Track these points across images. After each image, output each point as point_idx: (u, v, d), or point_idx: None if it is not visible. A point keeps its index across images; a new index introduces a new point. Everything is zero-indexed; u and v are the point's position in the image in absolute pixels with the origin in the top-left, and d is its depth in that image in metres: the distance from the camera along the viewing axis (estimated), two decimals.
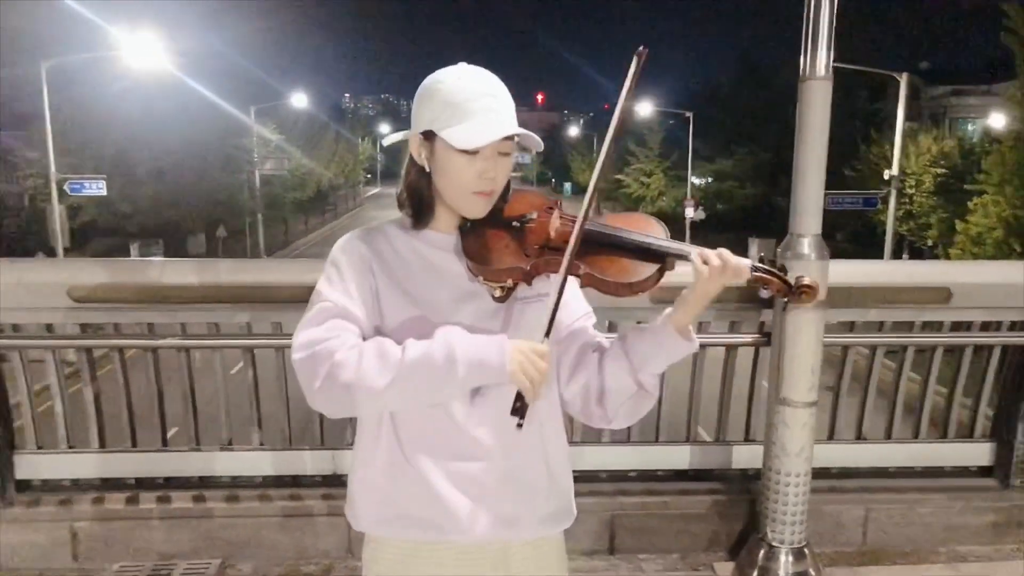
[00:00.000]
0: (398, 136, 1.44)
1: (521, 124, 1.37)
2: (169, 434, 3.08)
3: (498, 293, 1.39)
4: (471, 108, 1.31)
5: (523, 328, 1.38)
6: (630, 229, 1.36)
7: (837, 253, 2.64)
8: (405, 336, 1.32)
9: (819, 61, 2.46)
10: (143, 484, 3.04)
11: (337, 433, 3.08)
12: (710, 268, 1.29)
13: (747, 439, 3.21)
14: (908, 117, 23.70)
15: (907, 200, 26.46)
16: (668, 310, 1.38)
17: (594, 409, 1.44)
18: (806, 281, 1.33)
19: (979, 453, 3.27)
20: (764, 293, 1.36)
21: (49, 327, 2.88)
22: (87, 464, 3.01)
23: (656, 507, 3.06)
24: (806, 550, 2.77)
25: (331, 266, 1.39)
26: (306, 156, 38.13)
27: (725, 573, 2.92)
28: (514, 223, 1.40)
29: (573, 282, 1.38)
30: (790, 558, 2.75)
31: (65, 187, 19.64)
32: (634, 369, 1.38)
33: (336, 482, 3.06)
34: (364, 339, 1.33)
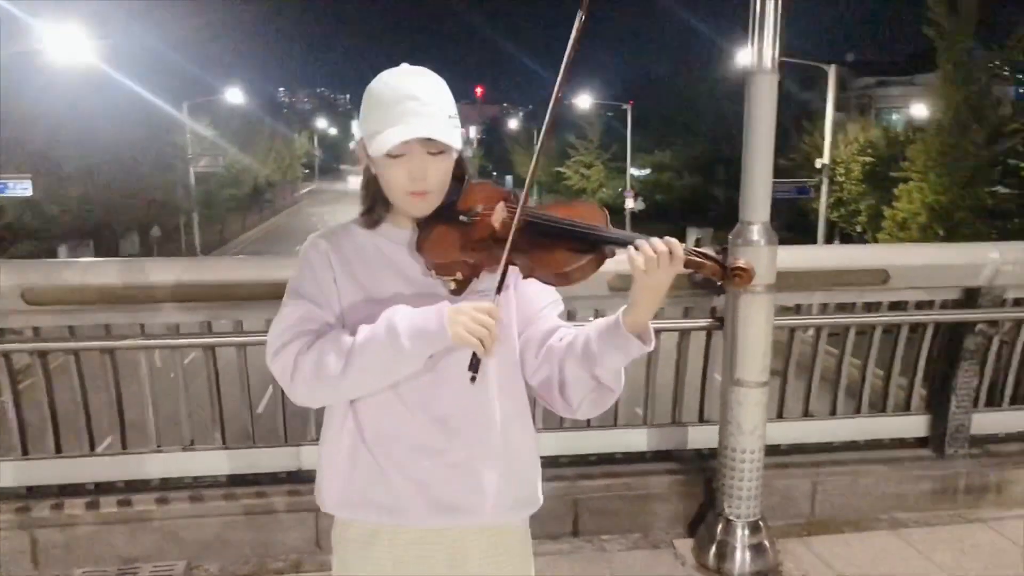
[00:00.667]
0: (354, 141, 1.50)
1: (461, 116, 1.42)
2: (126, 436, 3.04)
3: (452, 286, 1.43)
4: (393, 112, 1.36)
5: None
6: (571, 218, 1.39)
7: None
8: (363, 327, 1.37)
9: (765, 55, 2.58)
10: (103, 489, 3.00)
11: (299, 428, 3.10)
12: (659, 255, 1.29)
13: (701, 420, 3.34)
14: (837, 107, 24.46)
15: (838, 188, 27.31)
16: (622, 308, 1.39)
17: (557, 400, 1.48)
18: (740, 263, 1.33)
19: (916, 425, 3.47)
20: (697, 277, 1.37)
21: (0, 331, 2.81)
22: (43, 471, 2.95)
23: (617, 488, 3.16)
24: (761, 523, 2.90)
25: (298, 265, 1.46)
26: (242, 152, 37.32)
27: (685, 549, 3.04)
28: (462, 217, 1.44)
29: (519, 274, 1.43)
30: (746, 531, 2.88)
31: None
32: (591, 365, 1.41)
33: (301, 478, 3.07)
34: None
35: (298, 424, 3.08)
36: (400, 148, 1.35)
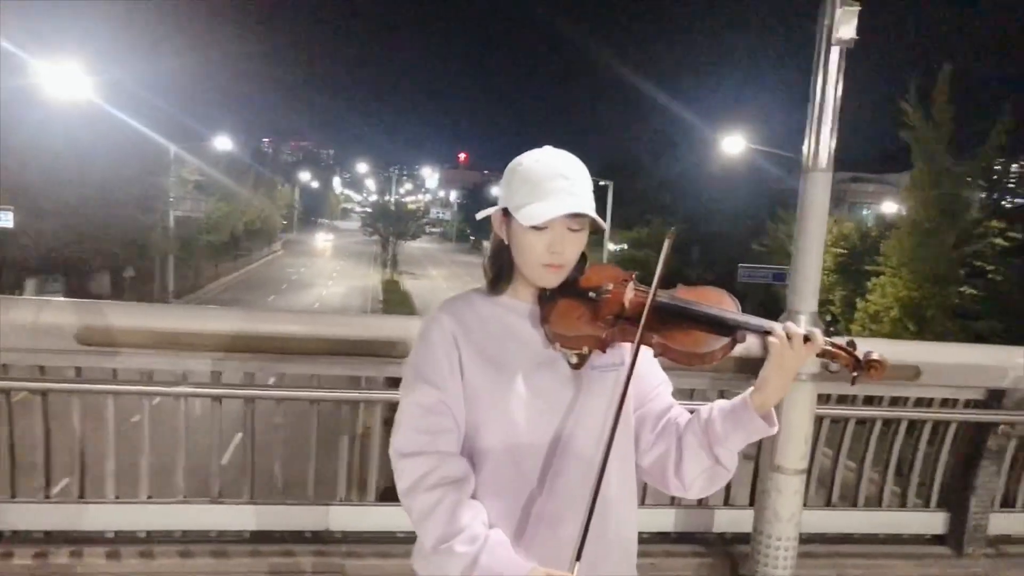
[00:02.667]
0: (487, 212, 1.54)
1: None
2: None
3: (574, 360, 1.47)
4: (543, 188, 1.42)
5: (595, 395, 1.48)
6: (701, 302, 1.46)
7: None
8: (483, 398, 1.43)
9: (821, 153, 2.70)
10: (122, 538, 2.91)
11: (329, 487, 3.05)
12: (795, 340, 1.36)
13: (726, 503, 3.35)
14: None
15: None
16: (749, 390, 1.44)
17: (671, 479, 1.51)
18: (875, 356, 1.36)
19: (935, 522, 3.51)
20: (833, 367, 1.42)
21: (41, 369, 2.76)
22: (65, 515, 2.86)
23: (644, 569, 3.12)
24: None
25: (423, 343, 1.49)
26: (224, 199, 37.32)
27: None
28: (590, 293, 1.49)
29: (648, 352, 1.49)
30: None
31: None
32: (711, 444, 1.44)
33: (328, 538, 3.01)
34: (455, 421, 1.44)
35: (327, 482, 3.04)
36: (546, 222, 1.40)
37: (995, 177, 23.72)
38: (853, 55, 2.68)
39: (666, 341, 1.42)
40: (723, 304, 1.45)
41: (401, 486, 1.43)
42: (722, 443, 1.43)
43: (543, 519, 1.45)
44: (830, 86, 2.67)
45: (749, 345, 1.44)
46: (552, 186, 1.41)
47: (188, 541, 2.94)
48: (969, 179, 22.45)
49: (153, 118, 28.15)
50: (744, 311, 1.48)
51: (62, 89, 18.97)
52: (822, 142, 2.70)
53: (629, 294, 1.47)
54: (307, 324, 2.89)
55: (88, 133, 23.54)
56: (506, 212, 1.46)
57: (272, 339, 2.82)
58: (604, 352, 1.48)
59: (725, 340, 1.40)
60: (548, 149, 1.49)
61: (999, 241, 21.37)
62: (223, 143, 34.28)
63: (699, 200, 34.29)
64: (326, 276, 44.89)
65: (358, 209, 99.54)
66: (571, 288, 1.50)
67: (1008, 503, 3.60)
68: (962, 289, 21.78)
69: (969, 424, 3.40)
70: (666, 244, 1.47)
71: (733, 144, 23.66)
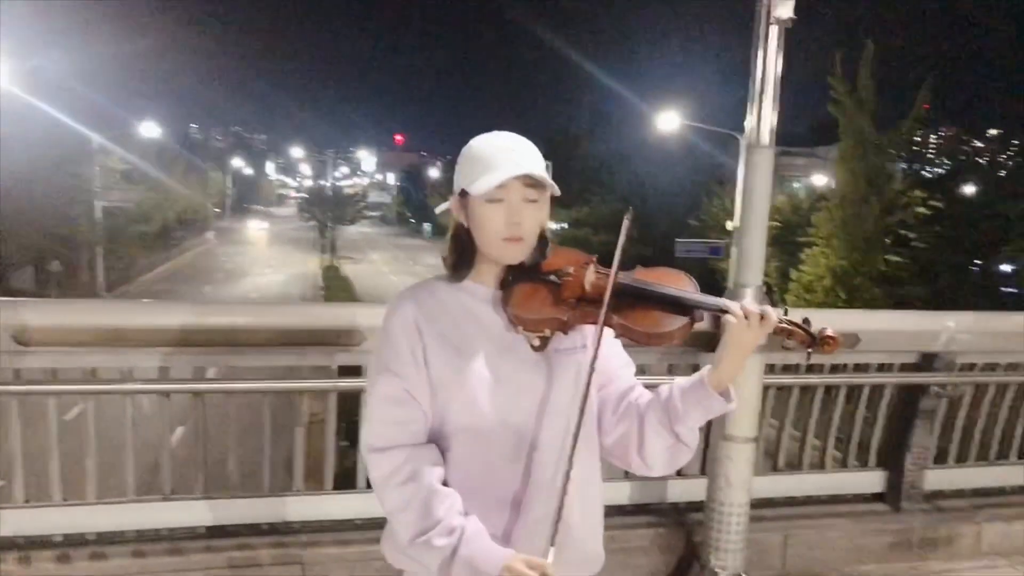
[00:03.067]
0: (446, 204, 1.55)
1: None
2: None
3: (536, 342, 1.49)
4: (495, 160, 1.44)
5: (558, 378, 1.50)
6: (661, 283, 1.49)
7: None
8: (449, 384, 1.45)
9: (763, 130, 2.77)
10: (72, 541, 2.83)
11: (287, 481, 3.03)
12: (751, 319, 1.41)
13: (679, 474, 3.43)
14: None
15: None
16: (707, 367, 1.49)
17: (634, 457, 1.55)
18: (829, 332, 1.41)
19: (873, 481, 3.67)
20: (788, 343, 1.46)
21: None
22: (10, 521, 2.76)
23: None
24: (743, 575, 3.00)
25: (385, 335, 1.50)
26: (153, 188, 36.13)
27: None
28: (552, 277, 1.51)
29: (609, 334, 1.51)
30: None
31: None
32: (671, 422, 1.48)
33: (286, 530, 2.99)
34: (422, 411, 1.46)
35: (282, 474, 3.01)
36: (498, 192, 1.42)
37: (916, 148, 24.61)
38: (787, 31, 2.74)
39: (626, 322, 1.45)
40: (681, 285, 1.49)
41: (374, 479, 1.46)
42: (682, 421, 1.47)
43: (511, 503, 1.48)
44: (770, 64, 2.73)
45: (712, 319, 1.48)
46: (502, 157, 1.44)
47: (141, 541, 2.87)
48: (892, 151, 23.27)
49: (75, 106, 26.99)
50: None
51: None
52: (764, 119, 2.77)
53: (590, 276, 1.49)
54: (256, 315, 2.86)
55: (4, 121, 22.43)
56: (462, 194, 1.47)
57: (221, 332, 2.76)
58: (566, 334, 1.50)
59: (684, 320, 1.44)
60: (494, 132, 1.51)
61: (921, 210, 22.27)
62: (150, 130, 33.08)
63: (636, 177, 34.75)
64: (263, 264, 43.98)
65: (294, 194, 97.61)
66: (533, 272, 1.51)
67: (941, 460, 3.78)
68: (888, 257, 22.66)
69: (904, 387, 3.56)
70: (625, 223, 1.51)
71: (668, 121, 23.94)
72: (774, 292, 25.14)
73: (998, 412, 3.81)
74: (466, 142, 1.51)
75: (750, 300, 2.77)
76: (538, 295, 1.49)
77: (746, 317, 1.41)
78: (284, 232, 65.55)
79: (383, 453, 1.44)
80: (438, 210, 1.60)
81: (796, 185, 36.99)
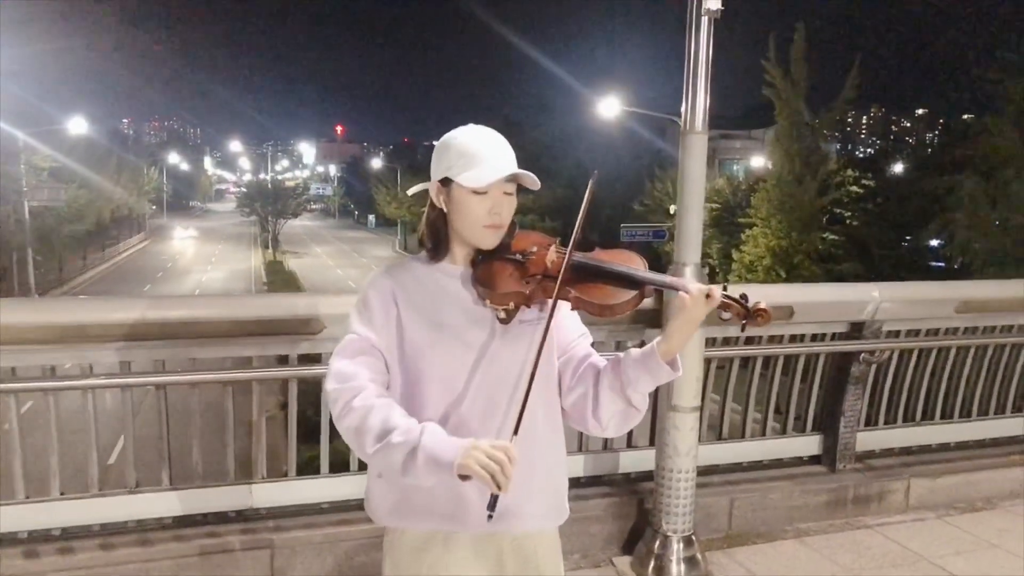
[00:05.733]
0: (420, 187, 1.70)
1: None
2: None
3: (502, 315, 1.64)
4: (480, 156, 1.61)
5: (522, 346, 1.64)
6: (614, 261, 1.64)
7: None
8: (425, 353, 1.59)
9: (697, 117, 2.93)
10: (35, 538, 2.86)
11: (247, 467, 3.09)
12: (700, 295, 1.53)
13: (630, 445, 3.61)
14: None
15: None
16: (657, 339, 1.63)
17: (590, 419, 1.69)
18: (762, 305, 1.55)
19: (811, 444, 3.91)
20: (725, 316, 1.60)
21: None
22: None
23: None
24: (693, 537, 3.19)
25: (360, 301, 1.65)
26: (84, 186, 35.00)
27: (624, 566, 3.27)
28: (517, 255, 1.67)
29: (566, 306, 1.66)
30: (681, 545, 3.16)
31: None
32: (623, 387, 1.63)
33: (253, 516, 3.06)
34: (386, 365, 1.61)
35: (246, 463, 3.08)
36: (489, 184, 1.57)
37: (848, 129, 25.38)
38: (717, 20, 2.89)
39: (580, 295, 1.59)
40: (632, 263, 1.64)
41: (333, 412, 1.56)
42: (633, 386, 1.62)
43: None
44: (702, 54, 2.89)
45: (668, 294, 1.63)
46: (488, 153, 1.61)
47: (108, 533, 2.92)
48: (826, 132, 23.98)
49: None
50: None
51: None
52: (698, 107, 2.93)
53: (551, 255, 1.64)
54: (217, 307, 2.90)
55: None
56: (443, 182, 1.62)
57: (182, 324, 2.81)
58: (529, 307, 1.65)
59: (632, 294, 1.59)
60: (474, 125, 1.66)
61: (854, 189, 23.02)
62: (78, 126, 31.97)
63: (580, 163, 35.09)
64: (204, 261, 43.06)
65: (233, 189, 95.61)
66: (500, 252, 1.66)
67: (872, 423, 4.04)
68: (824, 235, 23.41)
69: (836, 355, 3.80)
70: (589, 185, 1.65)
71: (609, 107, 24.22)
72: (717, 274, 25.76)
73: (922, 376, 4.08)
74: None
75: (690, 277, 2.96)
76: (504, 272, 1.64)
77: (698, 294, 1.54)
78: (224, 228, 64.22)
79: (345, 383, 1.55)
80: (411, 191, 1.76)
81: (735, 168, 37.84)
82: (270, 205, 51.01)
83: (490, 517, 1.42)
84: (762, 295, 1.66)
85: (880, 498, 3.85)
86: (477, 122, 1.69)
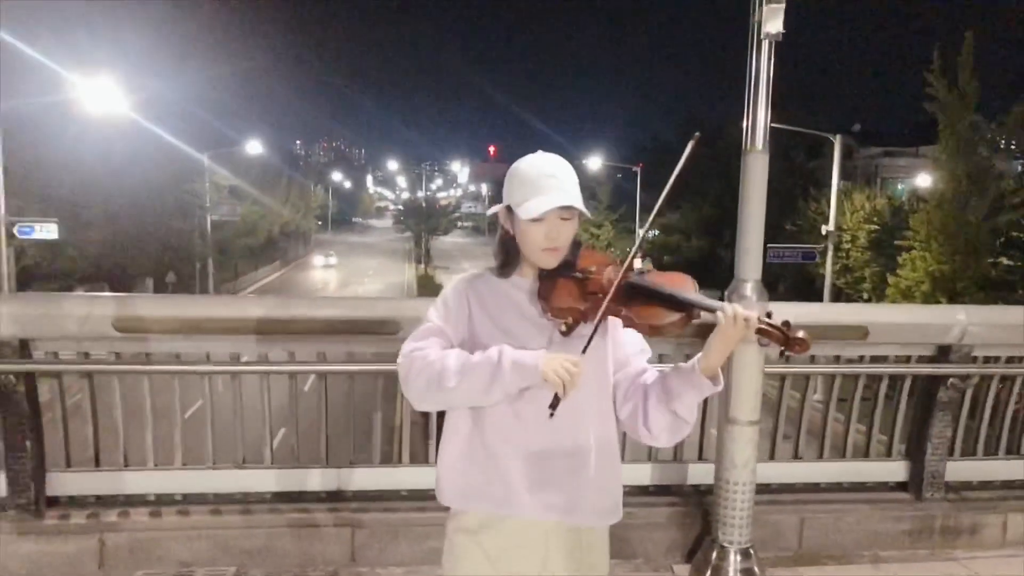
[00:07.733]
0: (494, 209, 1.91)
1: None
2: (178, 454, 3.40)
3: (563, 328, 1.80)
4: (537, 186, 1.78)
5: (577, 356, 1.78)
6: (664, 284, 1.77)
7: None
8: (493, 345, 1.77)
9: (758, 137, 3.00)
10: (163, 500, 3.36)
11: (342, 454, 3.46)
12: (736, 320, 1.65)
13: (700, 458, 3.68)
14: (843, 176, 24.96)
15: (843, 254, 27.70)
16: (699, 355, 1.76)
17: (641, 429, 1.85)
18: (800, 335, 1.61)
19: (896, 470, 3.80)
20: (763, 342, 1.69)
21: (87, 355, 3.22)
22: (111, 481, 3.31)
23: (624, 518, 3.47)
24: (751, 550, 3.22)
25: (438, 299, 1.89)
26: (258, 203, 38.25)
27: (683, 573, 3.35)
28: (578, 274, 1.84)
29: (618, 323, 1.82)
30: (738, 557, 3.20)
31: (15, 230, 19.39)
32: (668, 400, 1.77)
33: (340, 497, 3.42)
34: (451, 346, 1.82)
35: (340, 449, 3.45)
36: (541, 214, 1.76)
37: None
38: (882, 26, 2.94)
39: (631, 314, 1.75)
40: (683, 286, 1.76)
41: (407, 378, 1.76)
42: (677, 399, 1.76)
43: (537, 455, 1.81)
44: (763, 76, 2.97)
45: (707, 316, 1.75)
46: (544, 183, 1.78)
47: (218, 502, 3.37)
48: (1001, 146, 22.14)
49: (185, 126, 29.10)
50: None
51: (96, 103, 19.78)
52: (758, 126, 3.00)
53: (609, 275, 1.80)
54: (347, 308, 3.36)
55: (122, 144, 24.40)
56: (509, 208, 1.83)
57: (288, 322, 3.25)
58: (586, 323, 1.79)
59: (679, 315, 1.71)
60: (540, 153, 1.86)
61: None
62: (255, 147, 35.05)
63: (729, 182, 34.25)
64: (361, 274, 45.68)
65: (391, 207, 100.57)
66: (564, 269, 1.85)
67: (969, 453, 3.87)
68: (997, 260, 21.56)
69: (922, 379, 3.68)
70: (690, 145, 1.79)
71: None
72: (868, 297, 24.16)
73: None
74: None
75: (750, 294, 3.03)
76: (566, 289, 1.82)
77: (733, 318, 1.67)
78: (381, 243, 67.70)
79: (411, 355, 1.76)
80: (488, 212, 1.95)
81: (900, 187, 35.56)
82: (423, 222, 53.42)
83: (551, 415, 1.63)
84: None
85: (973, 531, 3.67)
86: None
